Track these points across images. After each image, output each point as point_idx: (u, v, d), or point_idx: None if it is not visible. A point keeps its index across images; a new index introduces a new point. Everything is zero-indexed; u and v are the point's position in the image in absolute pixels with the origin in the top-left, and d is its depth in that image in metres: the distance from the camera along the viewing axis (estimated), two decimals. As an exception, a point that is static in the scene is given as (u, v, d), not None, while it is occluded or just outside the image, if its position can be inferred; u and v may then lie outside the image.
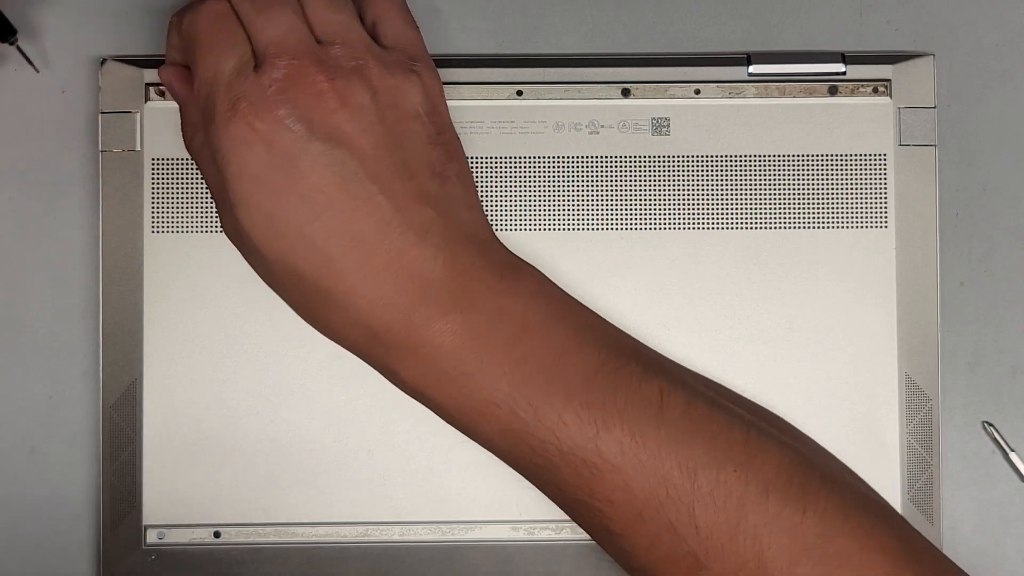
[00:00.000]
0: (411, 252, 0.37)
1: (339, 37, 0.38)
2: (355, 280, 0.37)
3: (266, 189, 0.36)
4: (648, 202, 0.43)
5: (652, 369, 0.38)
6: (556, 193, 0.43)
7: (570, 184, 0.43)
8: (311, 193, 0.36)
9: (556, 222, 0.43)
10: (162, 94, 0.43)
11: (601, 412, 0.36)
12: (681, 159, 0.43)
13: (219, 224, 0.43)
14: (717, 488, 0.36)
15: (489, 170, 0.43)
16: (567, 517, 0.42)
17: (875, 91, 0.43)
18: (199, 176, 0.43)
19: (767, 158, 0.43)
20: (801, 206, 0.43)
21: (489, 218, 0.43)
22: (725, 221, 0.43)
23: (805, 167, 0.43)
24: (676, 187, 0.43)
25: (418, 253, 0.37)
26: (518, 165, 0.43)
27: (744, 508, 0.36)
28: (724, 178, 0.43)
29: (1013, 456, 0.44)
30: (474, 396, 0.37)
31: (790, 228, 0.43)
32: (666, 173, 0.43)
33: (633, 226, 0.43)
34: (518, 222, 0.43)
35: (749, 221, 0.43)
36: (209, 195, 0.42)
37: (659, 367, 0.39)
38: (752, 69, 0.43)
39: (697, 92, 0.43)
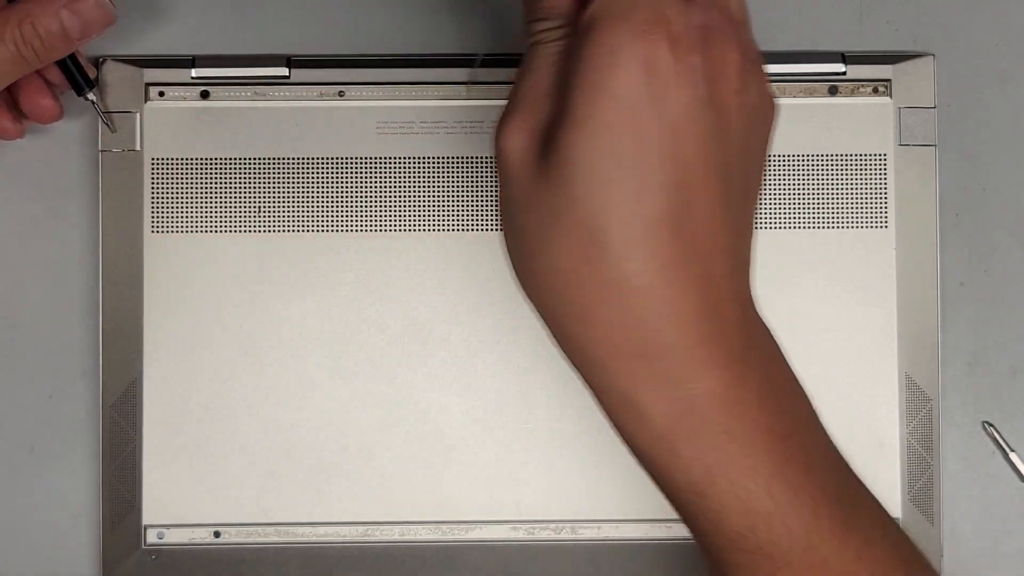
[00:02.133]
0: (729, 280, 0.32)
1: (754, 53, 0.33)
2: (653, 280, 0.30)
3: (622, 115, 0.30)
4: (648, 202, 0.43)
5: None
6: (556, 193, 0.43)
7: (570, 184, 0.43)
8: (668, 153, 0.30)
9: (556, 222, 0.43)
10: (162, 94, 0.43)
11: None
12: (681, 159, 0.43)
13: (219, 224, 0.43)
14: None
15: (489, 171, 0.43)
16: (567, 517, 0.42)
17: (875, 91, 0.43)
18: (199, 176, 0.43)
19: (767, 158, 0.43)
20: (801, 206, 0.43)
21: (490, 220, 0.43)
22: (725, 221, 0.43)
23: (805, 167, 0.43)
24: (676, 187, 0.43)
25: (732, 283, 0.32)
26: (518, 165, 0.43)
27: None
28: (724, 178, 0.43)
29: (1013, 456, 0.44)
30: (731, 460, 0.31)
31: (790, 228, 0.43)
32: (666, 173, 0.43)
33: (633, 226, 0.43)
34: (518, 222, 0.43)
35: (749, 221, 0.43)
36: (210, 195, 0.42)
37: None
38: (752, 69, 0.43)
39: (697, 92, 0.43)
